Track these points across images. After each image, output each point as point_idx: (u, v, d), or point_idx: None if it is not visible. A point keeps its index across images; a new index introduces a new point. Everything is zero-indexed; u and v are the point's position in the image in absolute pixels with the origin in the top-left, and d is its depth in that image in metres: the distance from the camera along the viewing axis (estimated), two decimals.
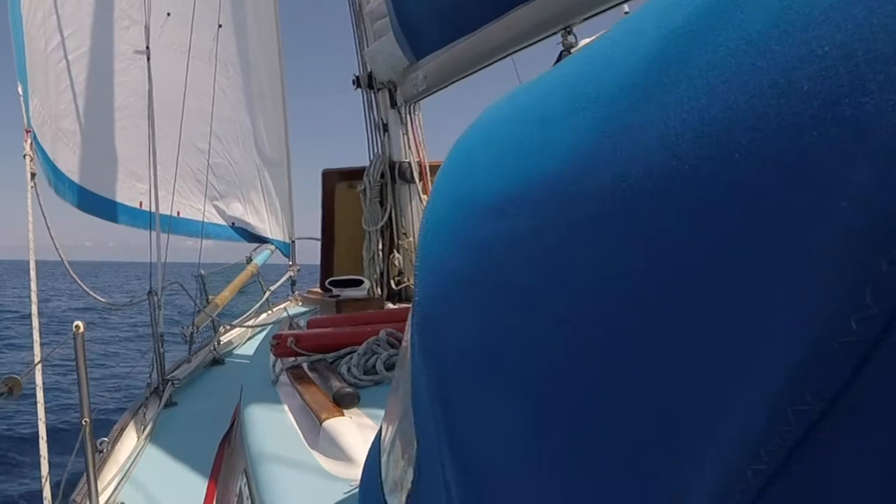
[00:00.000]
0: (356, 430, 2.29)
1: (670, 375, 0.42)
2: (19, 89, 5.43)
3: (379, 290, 5.59)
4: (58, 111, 7.07)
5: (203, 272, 8.16)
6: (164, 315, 5.62)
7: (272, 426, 2.60)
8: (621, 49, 0.54)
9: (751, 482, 0.37)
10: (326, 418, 2.38)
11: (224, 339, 7.13)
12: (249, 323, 7.89)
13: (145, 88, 6.66)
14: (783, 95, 0.36)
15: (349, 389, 2.61)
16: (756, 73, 0.38)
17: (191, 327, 6.73)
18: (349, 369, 2.96)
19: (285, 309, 7.75)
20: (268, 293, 8.95)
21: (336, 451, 2.21)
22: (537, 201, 0.55)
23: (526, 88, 0.70)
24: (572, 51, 3.02)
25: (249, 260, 9.51)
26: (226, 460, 3.55)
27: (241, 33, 9.52)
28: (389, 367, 2.89)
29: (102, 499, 3.17)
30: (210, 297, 7.93)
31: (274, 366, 3.41)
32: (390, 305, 5.25)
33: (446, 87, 4.52)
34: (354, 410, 2.52)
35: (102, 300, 6.30)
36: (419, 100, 5.12)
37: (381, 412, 1.01)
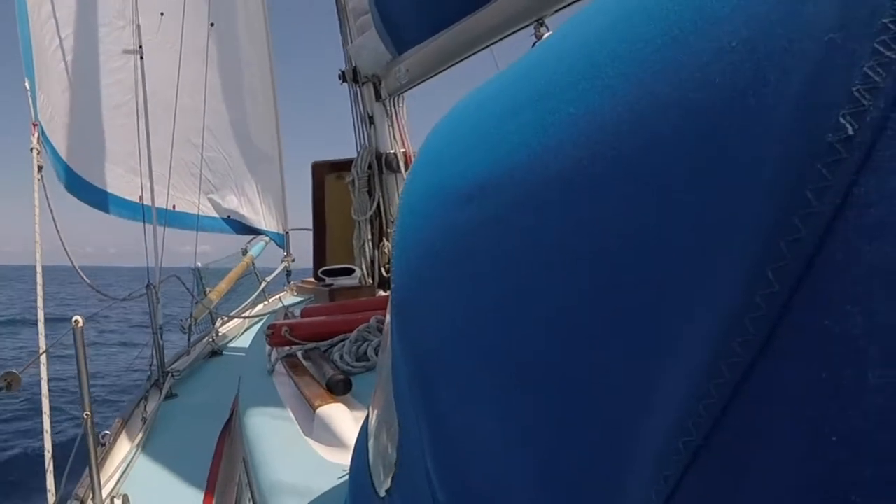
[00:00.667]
0: (349, 417, 2.30)
1: (614, 351, 0.43)
2: (26, 84, 5.44)
3: (370, 277, 5.60)
4: (60, 108, 7.07)
5: (200, 265, 8.16)
6: (162, 310, 5.62)
7: (268, 415, 2.60)
8: (567, 44, 0.55)
9: (682, 454, 0.38)
10: (320, 405, 2.38)
11: (222, 330, 7.13)
12: (246, 314, 7.89)
13: (141, 86, 6.67)
14: (701, 88, 0.38)
15: (341, 377, 2.61)
16: (679, 68, 0.40)
17: (189, 320, 6.73)
18: (341, 356, 2.96)
19: (281, 299, 7.74)
20: (263, 284, 8.95)
21: (330, 437, 2.22)
22: (497, 189, 0.56)
23: (491, 82, 0.71)
24: None
25: (245, 252, 9.52)
26: (226, 449, 3.55)
27: (232, 31, 9.53)
28: (379, 353, 2.89)
29: (105, 490, 3.17)
30: (207, 289, 7.93)
31: (270, 355, 3.41)
32: (381, 293, 5.26)
33: (428, 79, 4.53)
34: (347, 397, 2.53)
35: (109, 295, 6.30)
36: (402, 92, 5.13)
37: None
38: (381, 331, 3.10)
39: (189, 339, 6.56)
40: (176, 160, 8.11)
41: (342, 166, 5.94)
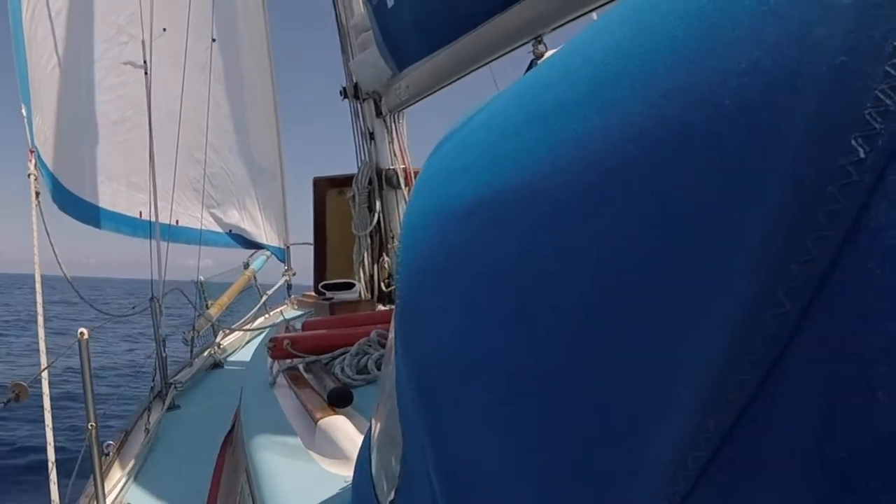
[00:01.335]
0: (350, 429, 2.30)
1: (620, 367, 0.43)
2: (23, 111, 5.42)
3: (370, 292, 5.60)
4: (60, 126, 7.06)
5: (202, 278, 8.16)
6: (165, 322, 5.62)
7: (270, 427, 2.60)
8: (573, 63, 0.55)
9: (690, 470, 0.38)
10: (321, 418, 2.38)
11: (223, 343, 7.13)
12: (248, 327, 7.89)
13: (143, 102, 6.66)
14: (710, 109, 0.38)
15: (342, 389, 2.61)
16: (687, 89, 0.39)
17: (191, 332, 6.73)
18: (342, 369, 2.96)
19: (282, 312, 7.74)
20: (265, 297, 8.95)
21: (331, 449, 2.22)
22: (501, 207, 0.56)
23: (494, 100, 0.71)
24: (542, 59, 3.04)
25: (247, 266, 9.53)
26: (228, 460, 3.55)
27: (233, 47, 9.55)
28: (380, 366, 2.88)
29: (109, 500, 3.17)
30: (209, 302, 7.94)
31: (271, 368, 3.41)
32: (381, 307, 5.26)
33: (428, 95, 4.53)
34: (348, 410, 2.52)
35: (112, 315, 6.30)
36: (403, 108, 5.13)
37: (373, 410, 1.01)
38: (381, 344, 3.10)
39: (191, 352, 6.56)
40: (179, 175, 8.10)
41: (343, 182, 5.95)
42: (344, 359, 3.07)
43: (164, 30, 8.19)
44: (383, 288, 5.57)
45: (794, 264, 0.33)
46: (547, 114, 0.54)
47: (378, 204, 5.49)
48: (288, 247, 10.41)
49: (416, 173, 5.25)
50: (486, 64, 3.69)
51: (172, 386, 5.27)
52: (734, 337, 0.35)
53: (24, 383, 3.11)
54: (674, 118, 0.40)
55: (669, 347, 0.39)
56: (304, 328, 4.19)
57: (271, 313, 8.32)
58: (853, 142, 0.32)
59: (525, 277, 0.52)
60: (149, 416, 4.64)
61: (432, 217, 0.69)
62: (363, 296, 5.51)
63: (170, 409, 4.93)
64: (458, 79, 3.99)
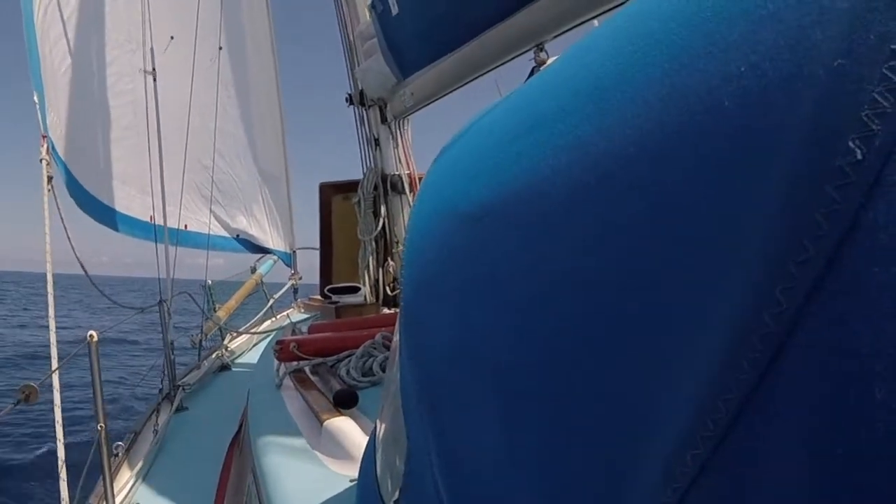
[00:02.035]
0: (355, 430, 2.30)
1: (622, 367, 0.43)
2: (35, 98, 5.41)
3: (375, 296, 5.60)
4: (75, 128, 7.05)
5: (210, 282, 8.16)
6: (174, 326, 5.62)
7: (277, 428, 2.60)
8: (573, 68, 0.55)
9: (689, 467, 0.38)
10: (327, 419, 2.38)
11: (231, 345, 7.12)
12: (255, 330, 7.89)
13: (152, 107, 6.67)
14: (709, 112, 0.38)
15: (348, 391, 2.61)
16: (686, 92, 0.40)
17: (199, 335, 6.72)
18: (348, 371, 2.96)
19: (288, 316, 7.73)
20: (272, 301, 8.95)
21: (337, 449, 2.22)
22: (504, 209, 0.56)
23: (497, 106, 0.71)
24: (543, 66, 3.04)
25: (254, 270, 9.53)
26: (235, 461, 3.54)
27: (240, 55, 9.57)
28: (385, 368, 2.88)
29: (118, 500, 3.17)
30: (217, 305, 7.93)
31: (278, 370, 3.41)
32: (386, 310, 5.25)
33: (432, 102, 4.53)
34: (353, 411, 2.52)
35: (123, 307, 6.29)
36: (407, 115, 5.13)
37: (378, 411, 1.01)
38: (386, 347, 3.10)
39: (199, 354, 6.56)
40: (187, 181, 8.11)
41: (348, 187, 5.95)
42: (349, 361, 3.08)
43: (172, 38, 8.21)
44: (388, 292, 5.57)
45: (791, 264, 0.33)
46: (548, 119, 0.54)
47: (383, 209, 5.50)
48: (294, 251, 10.42)
49: (420, 178, 5.25)
50: (489, 71, 3.69)
51: (181, 388, 5.27)
52: (732, 336, 0.35)
53: (33, 384, 3.10)
54: (672, 121, 0.40)
55: (669, 347, 0.39)
56: (310, 331, 4.19)
57: (278, 317, 8.32)
58: (851, 143, 0.32)
59: (527, 280, 0.52)
60: (157, 417, 4.64)
61: (436, 221, 0.69)
62: (368, 299, 5.51)
63: (178, 410, 4.93)
64: (462, 86, 3.99)
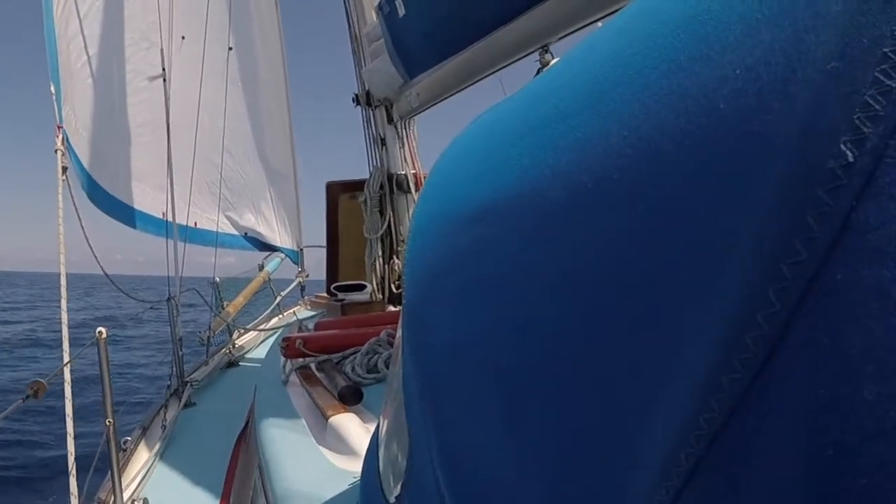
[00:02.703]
0: (359, 426, 2.30)
1: (618, 366, 0.43)
2: (52, 89, 5.42)
3: (380, 293, 5.61)
4: (87, 123, 7.06)
5: (218, 279, 8.16)
6: (182, 322, 5.62)
7: (283, 424, 2.60)
8: (573, 70, 0.55)
9: (683, 466, 0.38)
10: (332, 415, 2.39)
11: (238, 342, 7.13)
12: (262, 327, 7.90)
13: (162, 106, 6.68)
14: (704, 114, 0.38)
15: (352, 388, 2.61)
16: (683, 94, 0.40)
17: (207, 332, 6.73)
18: (353, 368, 2.96)
19: (295, 313, 7.74)
20: (279, 298, 8.96)
21: (341, 445, 2.22)
22: (504, 210, 0.56)
23: (498, 107, 0.71)
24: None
25: (261, 267, 9.54)
26: (242, 456, 3.55)
27: (249, 55, 9.59)
28: (390, 365, 2.88)
29: (126, 494, 3.18)
30: (225, 303, 7.94)
31: (284, 366, 3.41)
32: (391, 308, 5.26)
33: (438, 102, 4.54)
34: (358, 407, 2.53)
35: (137, 301, 6.30)
36: (413, 115, 5.14)
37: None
38: (391, 344, 3.11)
39: (207, 351, 6.56)
40: (197, 179, 8.12)
41: (355, 186, 5.96)
42: (355, 358, 3.08)
43: (183, 38, 8.22)
44: (394, 289, 5.59)
45: (784, 265, 0.33)
46: (548, 120, 0.54)
47: (389, 208, 5.51)
48: (301, 249, 10.43)
49: (426, 178, 5.24)
50: (495, 72, 3.69)
51: (188, 384, 5.28)
52: (725, 337, 0.36)
53: (42, 381, 3.11)
54: (669, 123, 0.40)
55: (664, 347, 0.39)
56: (316, 328, 4.20)
57: (285, 314, 8.32)
58: (842, 145, 0.32)
59: (526, 280, 0.52)
60: (165, 413, 4.64)
61: (438, 221, 0.69)
62: (374, 297, 5.52)
63: (186, 406, 4.93)
64: (468, 86, 4.00)
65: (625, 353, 0.42)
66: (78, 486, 3.14)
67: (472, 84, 3.94)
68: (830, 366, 0.32)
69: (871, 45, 0.32)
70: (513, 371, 0.54)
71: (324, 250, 6.66)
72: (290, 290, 9.56)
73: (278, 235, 10.38)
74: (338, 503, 1.70)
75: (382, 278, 5.63)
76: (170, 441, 4.15)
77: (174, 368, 5.36)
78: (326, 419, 2.39)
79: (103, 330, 3.06)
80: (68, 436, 3.31)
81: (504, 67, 3.58)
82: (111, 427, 3.02)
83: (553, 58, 3.09)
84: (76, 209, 4.83)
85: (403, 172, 5.44)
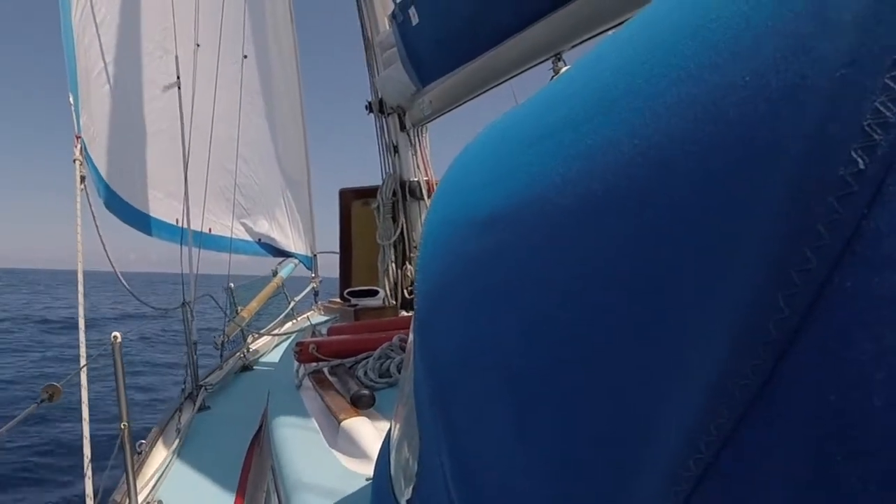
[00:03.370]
0: (372, 430, 2.30)
1: (627, 372, 0.43)
2: (70, 99, 5.42)
3: (393, 299, 5.61)
4: (103, 130, 7.08)
5: (232, 285, 8.17)
6: (196, 326, 5.62)
7: (296, 427, 2.60)
8: (583, 79, 0.55)
9: (692, 472, 0.38)
10: (344, 419, 2.39)
11: (252, 346, 7.13)
12: (276, 331, 7.90)
13: (177, 114, 6.69)
14: (714, 122, 0.38)
15: (365, 392, 2.61)
16: (692, 102, 0.39)
17: (221, 336, 6.73)
18: (365, 373, 2.97)
19: (308, 318, 7.74)
20: (292, 303, 8.96)
21: (353, 449, 2.22)
22: (515, 217, 0.56)
23: (508, 115, 0.71)
24: None
25: (275, 273, 9.56)
26: (255, 459, 3.55)
27: (264, 63, 9.60)
28: (402, 369, 2.88)
29: (141, 496, 3.18)
30: (239, 308, 7.95)
31: (298, 371, 3.42)
32: (404, 313, 5.26)
33: (450, 110, 4.54)
34: (370, 411, 2.53)
35: (153, 308, 6.31)
36: (425, 123, 5.15)
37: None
38: (403, 349, 3.11)
39: (221, 355, 6.56)
40: (211, 186, 8.13)
41: (368, 193, 5.99)
42: (367, 362, 3.08)
43: (198, 45, 8.24)
44: (406, 295, 5.60)
45: (794, 272, 0.33)
46: (559, 128, 0.54)
47: (402, 214, 5.51)
48: (315, 255, 10.45)
49: (438, 184, 5.25)
50: (508, 80, 3.69)
51: (203, 387, 5.28)
52: (736, 343, 0.35)
53: (57, 385, 3.12)
54: (678, 131, 0.40)
55: (673, 353, 0.39)
56: (329, 333, 4.20)
57: (298, 319, 8.31)
58: (853, 153, 0.32)
59: (536, 287, 0.52)
60: (180, 416, 4.64)
61: (450, 227, 0.69)
62: (387, 302, 5.53)
63: (200, 409, 4.93)
64: (480, 94, 4.00)
65: (634, 359, 0.42)
66: (93, 488, 3.14)
67: (484, 92, 3.95)
68: (840, 372, 0.32)
69: (880, 51, 0.32)
70: (522, 376, 0.54)
71: (337, 256, 6.68)
72: (303, 295, 9.56)
73: (292, 241, 10.40)
74: None
75: (395, 284, 5.65)
76: (184, 444, 4.15)
77: (189, 372, 5.36)
78: (339, 423, 2.39)
79: (118, 335, 3.07)
80: (84, 438, 3.31)
81: (516, 76, 3.58)
82: (126, 430, 3.03)
83: (566, 66, 3.09)
84: (94, 218, 4.83)
85: (416, 179, 5.46)
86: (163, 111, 7.93)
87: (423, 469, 0.77)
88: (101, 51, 7.01)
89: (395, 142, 5.53)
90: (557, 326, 0.49)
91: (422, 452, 0.77)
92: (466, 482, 0.64)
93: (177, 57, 6.94)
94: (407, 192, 5.49)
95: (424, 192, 5.35)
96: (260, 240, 10.10)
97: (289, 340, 6.38)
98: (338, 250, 6.68)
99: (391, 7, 4.71)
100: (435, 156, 5.58)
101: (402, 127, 5.43)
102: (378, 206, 5.61)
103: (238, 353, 6.66)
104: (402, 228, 5.53)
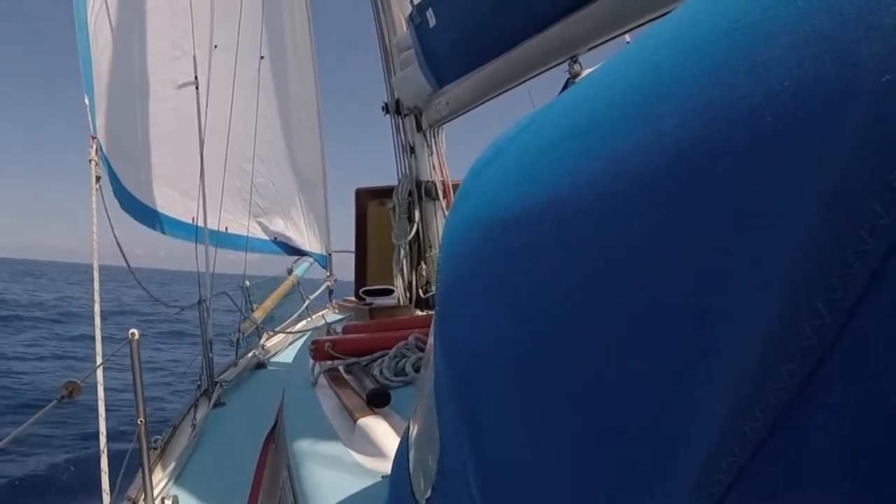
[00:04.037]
0: (387, 428, 2.30)
1: (657, 373, 0.42)
2: (85, 100, 5.43)
3: (408, 298, 5.61)
4: (118, 131, 7.09)
5: (248, 283, 8.18)
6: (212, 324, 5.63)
7: (311, 425, 2.60)
8: (610, 82, 0.55)
9: (725, 473, 0.38)
10: (360, 417, 2.39)
11: (267, 344, 7.13)
12: (290, 329, 7.90)
13: (195, 114, 6.69)
14: (749, 127, 0.37)
15: (380, 390, 2.61)
16: (725, 107, 0.39)
17: (237, 334, 6.74)
18: (381, 371, 2.96)
19: (323, 316, 7.74)
20: (307, 302, 8.97)
21: (369, 447, 2.22)
22: (540, 218, 0.56)
23: (532, 117, 0.71)
24: (578, 78, 3.05)
25: (290, 271, 9.57)
26: (270, 456, 3.55)
27: (280, 64, 9.61)
28: (418, 368, 2.88)
29: (156, 492, 3.18)
30: (254, 306, 7.96)
31: (313, 369, 3.42)
32: (418, 312, 5.26)
33: (467, 112, 4.54)
34: (386, 409, 2.53)
35: (168, 306, 6.32)
36: (442, 124, 5.14)
37: (410, 410, 1.01)
38: (418, 348, 3.11)
39: (237, 353, 6.57)
40: (228, 185, 8.14)
41: (384, 193, 5.98)
42: (382, 361, 3.08)
43: (216, 46, 8.25)
44: (421, 294, 5.60)
45: (834, 277, 0.33)
46: (585, 129, 0.53)
47: (417, 214, 5.51)
48: (330, 254, 10.46)
49: (454, 186, 5.26)
50: (524, 82, 3.69)
51: (218, 384, 5.28)
52: (771, 346, 0.35)
53: (77, 381, 3.12)
54: (710, 135, 0.40)
55: (706, 354, 0.39)
56: (344, 332, 4.21)
57: (313, 317, 8.31)
58: None
59: (563, 286, 0.52)
60: (195, 412, 4.65)
61: (471, 228, 0.69)
62: (401, 301, 5.53)
63: (215, 406, 4.93)
64: (497, 96, 4.00)
65: (665, 363, 0.42)
66: (109, 483, 3.14)
67: (500, 94, 3.95)
68: (879, 376, 0.32)
69: None
70: (546, 377, 0.54)
71: (352, 255, 6.68)
72: (318, 293, 9.57)
73: (307, 240, 10.41)
74: (365, 502, 1.70)
75: (410, 283, 5.64)
76: (199, 440, 4.15)
77: (204, 369, 5.37)
78: (354, 421, 2.39)
79: (135, 332, 3.07)
80: (100, 434, 3.32)
81: (532, 78, 3.58)
82: (142, 426, 3.03)
83: (582, 68, 3.09)
84: (108, 217, 4.84)
85: (432, 180, 5.45)
86: (179, 111, 7.96)
87: (444, 468, 0.77)
88: (116, 52, 7.03)
89: (411, 142, 5.53)
90: (582, 327, 0.49)
91: (442, 452, 0.77)
92: (489, 481, 0.64)
93: (194, 57, 6.94)
94: (423, 192, 5.48)
95: (440, 192, 5.35)
96: (276, 238, 10.13)
97: (303, 338, 6.38)
98: (353, 249, 6.68)
99: (408, 9, 4.71)
100: (451, 157, 5.58)
101: (419, 128, 5.43)
102: (394, 206, 5.61)
103: (253, 351, 6.67)
104: (418, 228, 5.53)
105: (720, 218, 0.38)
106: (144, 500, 3.02)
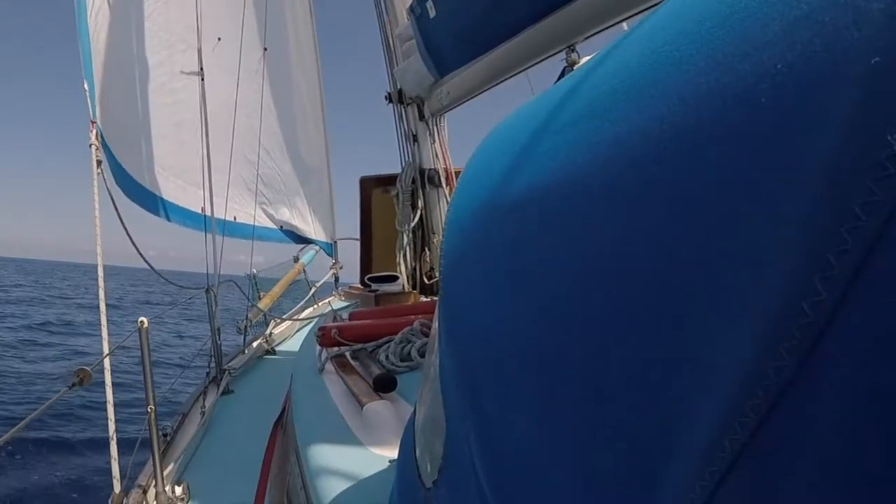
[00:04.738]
0: (393, 413, 2.30)
1: (659, 354, 0.42)
2: (85, 85, 5.40)
3: (412, 284, 5.62)
4: (124, 124, 7.08)
5: (255, 271, 8.19)
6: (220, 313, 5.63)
7: (318, 410, 2.61)
8: (611, 67, 0.55)
9: (727, 452, 0.38)
10: (367, 402, 2.39)
11: (275, 331, 7.14)
12: (297, 317, 7.91)
13: (199, 106, 6.69)
14: (744, 109, 0.37)
15: (387, 376, 2.61)
16: (723, 90, 0.39)
17: (245, 321, 6.75)
18: (387, 357, 2.96)
19: (329, 303, 7.74)
20: (314, 289, 8.97)
21: (376, 432, 2.22)
22: (541, 202, 0.56)
23: (531, 104, 0.71)
24: (575, 67, 3.04)
25: (297, 259, 9.58)
26: (279, 442, 3.56)
27: (284, 56, 9.61)
28: (423, 354, 2.88)
29: (166, 478, 3.19)
30: (262, 293, 7.97)
31: (320, 355, 3.42)
32: (423, 298, 5.26)
33: (468, 100, 4.54)
34: (392, 395, 2.53)
35: (178, 284, 6.31)
36: (444, 112, 5.14)
37: (416, 395, 1.01)
38: (423, 333, 3.10)
39: (244, 340, 6.58)
40: (234, 176, 8.14)
41: (387, 181, 5.99)
42: (388, 347, 3.08)
43: (220, 39, 8.24)
44: (425, 280, 5.61)
45: (830, 254, 0.33)
46: (585, 115, 0.53)
47: (420, 202, 5.52)
48: (335, 242, 10.46)
49: (457, 173, 5.27)
50: (523, 71, 3.69)
51: (227, 372, 5.29)
52: (772, 325, 0.35)
53: (87, 368, 3.13)
54: (708, 119, 0.40)
55: (706, 336, 0.39)
56: (350, 318, 4.20)
57: (320, 304, 8.32)
58: (889, 137, 0.31)
59: (565, 270, 0.52)
60: (204, 400, 4.66)
61: (474, 213, 0.69)
62: (406, 288, 5.54)
63: (224, 393, 4.94)
64: (497, 84, 4.00)
65: (667, 343, 0.42)
66: (120, 470, 3.15)
67: (500, 82, 3.95)
68: (877, 354, 0.32)
69: None
70: (549, 360, 0.54)
71: (357, 243, 6.69)
72: (324, 281, 9.58)
73: (313, 228, 10.42)
74: (372, 487, 1.71)
75: (414, 269, 5.66)
76: (209, 427, 4.16)
77: (213, 357, 5.38)
78: (361, 406, 2.39)
79: (145, 320, 3.08)
80: (109, 421, 3.33)
81: (532, 66, 3.58)
82: (152, 413, 3.04)
83: (579, 57, 3.08)
84: (112, 199, 4.83)
85: (434, 167, 5.45)
86: (185, 103, 7.95)
87: (450, 451, 0.77)
88: (120, 44, 7.01)
89: (414, 131, 5.53)
90: (584, 310, 0.49)
91: (448, 435, 0.77)
92: (495, 464, 0.64)
93: (199, 49, 6.93)
94: (426, 179, 5.49)
95: (443, 179, 5.35)
96: (282, 227, 10.14)
97: (310, 325, 6.39)
98: (358, 237, 6.68)
99: (409, 0, 4.71)
100: (453, 144, 5.58)
101: (421, 116, 5.43)
102: (397, 194, 5.61)
103: (261, 338, 6.68)
104: (421, 215, 5.53)
105: (718, 198, 0.38)
106: (155, 485, 3.03)
